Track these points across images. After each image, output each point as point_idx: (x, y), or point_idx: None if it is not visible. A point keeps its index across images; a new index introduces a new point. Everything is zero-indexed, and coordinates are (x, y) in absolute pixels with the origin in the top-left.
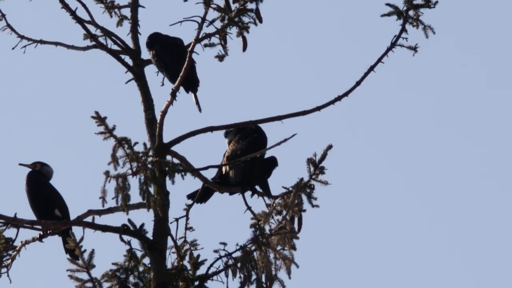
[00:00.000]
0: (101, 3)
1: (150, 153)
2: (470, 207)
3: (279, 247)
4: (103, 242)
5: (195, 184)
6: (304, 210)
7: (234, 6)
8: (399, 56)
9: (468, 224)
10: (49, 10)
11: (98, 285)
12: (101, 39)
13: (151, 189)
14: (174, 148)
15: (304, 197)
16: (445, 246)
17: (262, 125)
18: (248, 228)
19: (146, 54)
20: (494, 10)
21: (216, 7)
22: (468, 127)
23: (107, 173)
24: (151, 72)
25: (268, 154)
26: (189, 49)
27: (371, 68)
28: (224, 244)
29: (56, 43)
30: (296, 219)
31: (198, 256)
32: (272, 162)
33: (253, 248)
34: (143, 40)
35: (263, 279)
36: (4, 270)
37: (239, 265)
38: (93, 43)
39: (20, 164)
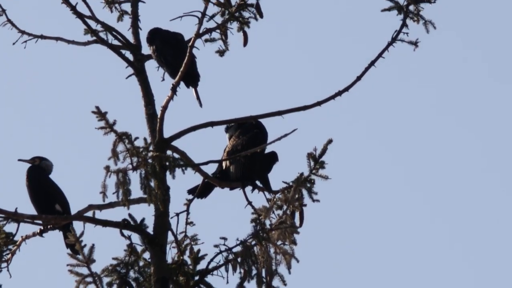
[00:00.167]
0: None
1: (151, 148)
2: (470, 199)
3: (279, 242)
4: (104, 237)
5: (196, 179)
6: (305, 205)
7: (234, 1)
8: (400, 51)
9: (468, 216)
10: (49, 5)
11: (98, 279)
12: (102, 34)
13: (152, 184)
14: (175, 143)
15: (304, 192)
16: (445, 238)
17: (262, 120)
18: (248, 223)
19: (146, 49)
20: (495, 4)
21: (216, 1)
22: (469, 121)
23: (107, 168)
24: (152, 67)
25: (268, 149)
26: (190, 44)
27: (372, 63)
28: (225, 239)
29: (57, 38)
30: (297, 214)
31: (199, 251)
32: (273, 157)
33: (253, 243)
34: (143, 35)
35: (264, 274)
36: (4, 265)
37: (239, 260)
38: (94, 38)
39: (20, 160)
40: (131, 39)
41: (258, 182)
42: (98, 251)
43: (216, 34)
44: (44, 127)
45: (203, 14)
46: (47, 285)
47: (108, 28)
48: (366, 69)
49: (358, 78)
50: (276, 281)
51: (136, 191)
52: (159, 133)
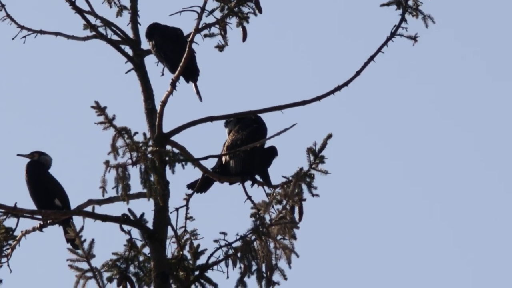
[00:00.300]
0: None
1: (150, 143)
2: (468, 194)
3: (279, 237)
4: (103, 232)
5: (195, 174)
6: (304, 199)
7: None
8: (399, 46)
9: (465, 208)
10: (48, 0)
11: (98, 274)
12: (101, 29)
13: (152, 179)
14: (174, 138)
15: (304, 187)
16: (443, 232)
17: (262, 115)
18: (248, 217)
19: (146, 44)
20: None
21: None
22: (467, 116)
23: (107, 163)
24: (151, 62)
25: (268, 143)
26: (189, 39)
27: (371, 58)
28: (224, 234)
29: (56, 33)
30: (296, 209)
31: (198, 246)
32: (272, 152)
33: (253, 238)
34: (143, 30)
35: (264, 269)
36: (4, 259)
37: (239, 255)
38: (93, 33)
39: (18, 155)
40: (130, 34)
41: (257, 177)
42: (98, 246)
43: (215, 29)
44: (43, 122)
45: (203, 9)
46: (47, 280)
47: (107, 23)
48: (366, 64)
49: (358, 73)
50: (276, 276)
51: (136, 186)
52: (158, 128)
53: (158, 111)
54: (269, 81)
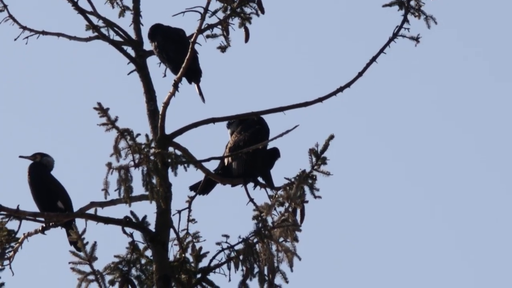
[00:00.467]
0: None
1: (153, 145)
2: (469, 196)
3: (281, 239)
4: (106, 234)
5: (198, 176)
6: (307, 202)
7: None
8: (401, 46)
9: (467, 210)
10: (51, 0)
11: (100, 277)
12: (103, 30)
13: (154, 181)
14: (177, 139)
15: (306, 188)
16: (445, 234)
17: (264, 116)
18: (250, 220)
19: (148, 45)
20: (496, 1)
21: None
22: (470, 117)
23: (109, 165)
24: (153, 63)
25: (270, 145)
26: (192, 40)
27: (373, 59)
28: (227, 236)
29: (58, 34)
30: (298, 211)
31: (201, 248)
32: (274, 153)
33: (255, 240)
34: (145, 31)
35: (266, 272)
36: (6, 262)
37: (241, 257)
38: (95, 34)
39: (21, 157)
40: (132, 35)
41: (260, 179)
42: (100, 248)
43: (217, 30)
44: (45, 123)
45: (206, 9)
46: (49, 282)
47: (109, 24)
48: (368, 65)
49: (360, 74)
50: (278, 279)
51: (138, 188)
52: (160, 129)
53: (160, 112)
54: (271, 82)
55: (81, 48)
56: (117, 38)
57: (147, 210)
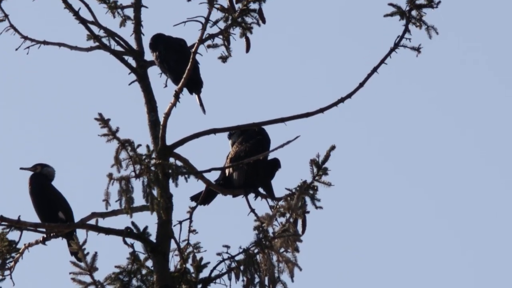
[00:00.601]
0: (104, 3)
1: (153, 156)
2: (474, 205)
3: (282, 250)
4: (106, 245)
5: (199, 187)
6: (308, 212)
7: (237, 6)
8: (403, 56)
9: (474, 230)
10: (52, 10)
11: None
12: (105, 40)
13: (155, 192)
14: (177, 150)
15: (307, 199)
16: (449, 247)
17: (265, 127)
18: (251, 230)
19: (149, 55)
20: (497, 10)
21: (219, 7)
22: (472, 127)
23: (110, 176)
24: (154, 74)
25: (271, 156)
26: (193, 50)
27: (375, 70)
28: (227, 247)
29: (60, 44)
30: (299, 221)
31: (201, 259)
32: (275, 164)
33: (256, 251)
34: (146, 41)
35: (266, 282)
36: (7, 272)
37: (242, 268)
38: (97, 44)
39: (21, 168)
40: (133, 44)
41: (261, 189)
42: (101, 259)
43: (218, 40)
44: (46, 133)
45: (207, 19)
46: None
47: (110, 34)
48: (369, 75)
49: (361, 85)
50: None
51: (139, 199)
52: (161, 140)
53: (161, 123)
54: (273, 92)
55: (82, 58)
56: (118, 48)
57: (148, 221)
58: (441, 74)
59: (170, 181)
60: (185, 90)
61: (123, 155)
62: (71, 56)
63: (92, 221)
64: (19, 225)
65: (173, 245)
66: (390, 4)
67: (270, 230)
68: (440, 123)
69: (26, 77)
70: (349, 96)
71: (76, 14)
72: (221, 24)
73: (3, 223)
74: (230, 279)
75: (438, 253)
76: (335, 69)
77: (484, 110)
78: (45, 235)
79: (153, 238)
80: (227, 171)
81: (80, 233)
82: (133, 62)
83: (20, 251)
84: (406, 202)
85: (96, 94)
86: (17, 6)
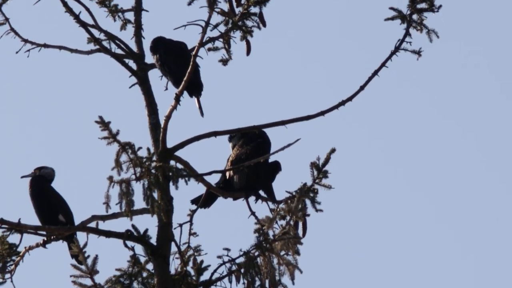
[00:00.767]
0: (105, 7)
1: (154, 158)
2: (475, 210)
3: (282, 253)
4: (107, 248)
5: (199, 189)
6: (308, 215)
7: (238, 10)
8: (403, 60)
9: (474, 232)
10: (52, 14)
11: None
12: (105, 43)
13: (155, 195)
14: (178, 153)
15: (307, 202)
16: (449, 254)
17: (266, 130)
18: (252, 233)
19: (150, 58)
20: (498, 14)
21: (220, 11)
22: (473, 130)
23: (110, 179)
24: (155, 77)
25: (272, 158)
26: (193, 53)
27: (375, 73)
28: (228, 249)
29: (60, 47)
30: (300, 224)
31: (202, 261)
32: (276, 167)
33: (256, 253)
34: (146, 44)
35: (267, 285)
36: (7, 275)
37: (242, 270)
38: (97, 47)
39: (22, 177)
40: (134, 48)
41: (261, 192)
42: (102, 262)
43: (219, 43)
44: (47, 136)
45: (207, 23)
46: None
47: (111, 37)
48: (370, 78)
49: (362, 88)
50: None
51: (140, 201)
52: (162, 143)
53: (162, 125)
54: (273, 95)
55: (83, 61)
56: (119, 51)
57: (149, 224)
58: (442, 77)
59: (171, 183)
60: (185, 93)
61: (123, 157)
62: (72, 59)
63: (93, 224)
64: (19, 228)
65: (173, 248)
66: (391, 8)
67: (271, 232)
68: (441, 126)
69: (27, 80)
70: (350, 99)
71: (76, 17)
72: (222, 28)
73: (3, 226)
74: (230, 281)
75: (438, 255)
76: (336, 72)
77: (485, 113)
78: (45, 238)
79: (153, 241)
80: (227, 174)
81: (81, 236)
82: (133, 65)
83: (21, 254)
84: (406, 205)
85: (96, 97)
86: (17, 10)
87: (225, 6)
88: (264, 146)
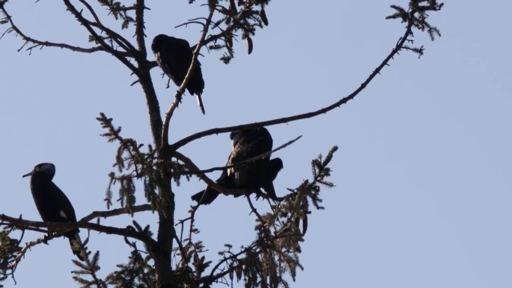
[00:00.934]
0: (107, 5)
1: (155, 155)
2: (476, 210)
3: (284, 249)
4: (108, 244)
5: (200, 186)
6: (309, 212)
7: (239, 8)
8: (405, 58)
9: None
10: (54, 12)
11: (103, 287)
12: (107, 41)
13: (156, 191)
14: (180, 150)
15: (309, 199)
16: (451, 252)
17: (267, 127)
18: (253, 230)
19: (151, 56)
20: (500, 12)
21: (221, 9)
22: (474, 127)
23: (112, 175)
24: (157, 74)
25: (273, 156)
26: (195, 51)
27: (377, 71)
28: (229, 246)
29: (62, 45)
30: (301, 221)
31: (203, 258)
32: (277, 164)
33: (258, 250)
34: (148, 42)
35: (268, 281)
36: (9, 271)
37: (244, 267)
38: (99, 45)
39: (24, 176)
40: (136, 46)
41: (262, 189)
42: (103, 258)
43: (221, 41)
44: (48, 134)
45: (208, 21)
46: None
47: (113, 35)
48: (371, 76)
49: (363, 86)
50: None
51: (141, 198)
52: (164, 140)
53: (163, 123)
54: (275, 93)
55: (85, 59)
56: (121, 49)
57: (150, 220)
58: (443, 75)
59: (172, 180)
60: (186, 90)
61: (125, 154)
62: (73, 57)
63: (94, 220)
64: (20, 224)
65: (174, 244)
66: (393, 6)
67: (272, 229)
68: (442, 124)
69: (29, 78)
70: (351, 96)
71: (78, 15)
72: (223, 26)
73: (5, 222)
74: (231, 278)
75: (440, 253)
76: (338, 70)
77: (486, 111)
78: (46, 234)
79: (154, 237)
80: (229, 170)
81: (82, 232)
82: (135, 63)
83: (22, 250)
84: (408, 202)
85: (98, 95)
86: (19, 8)
87: (226, 4)
88: (266, 143)
